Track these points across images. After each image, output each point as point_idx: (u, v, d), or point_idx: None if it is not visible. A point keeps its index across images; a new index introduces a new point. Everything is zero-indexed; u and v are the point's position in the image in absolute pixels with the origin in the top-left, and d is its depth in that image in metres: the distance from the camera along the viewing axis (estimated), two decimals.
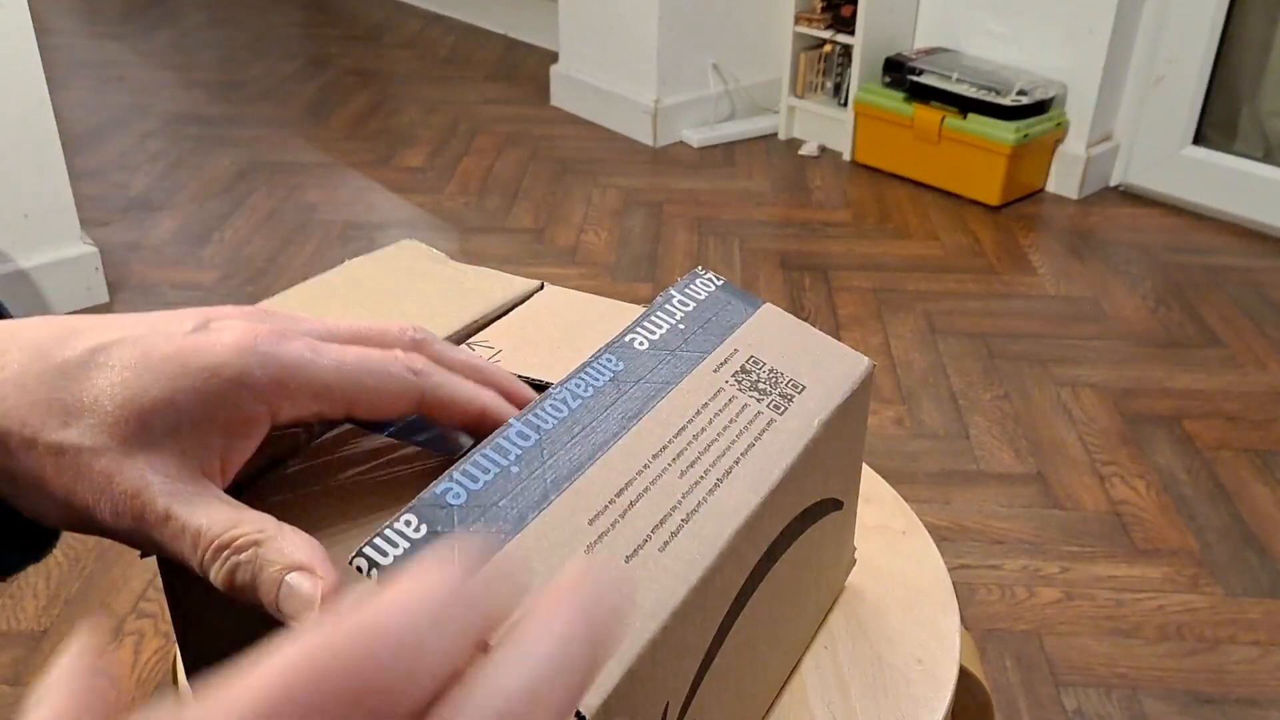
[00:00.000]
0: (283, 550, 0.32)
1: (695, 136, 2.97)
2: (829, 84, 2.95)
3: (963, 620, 0.55)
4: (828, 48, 2.91)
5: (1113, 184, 2.72)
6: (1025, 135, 2.52)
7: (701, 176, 2.79)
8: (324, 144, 2.96)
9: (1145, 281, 2.29)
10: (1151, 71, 2.58)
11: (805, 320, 0.46)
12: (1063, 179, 2.68)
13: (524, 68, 3.63)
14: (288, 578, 0.31)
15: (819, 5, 2.88)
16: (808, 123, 3.00)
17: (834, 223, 2.54)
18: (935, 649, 0.51)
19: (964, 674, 0.52)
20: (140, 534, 0.33)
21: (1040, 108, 2.56)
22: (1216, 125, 2.59)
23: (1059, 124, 2.61)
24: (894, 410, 1.84)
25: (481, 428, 0.38)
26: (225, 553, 0.32)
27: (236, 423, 0.34)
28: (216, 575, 0.32)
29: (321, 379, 0.34)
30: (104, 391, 0.33)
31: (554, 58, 3.33)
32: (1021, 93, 2.54)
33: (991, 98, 2.54)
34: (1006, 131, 2.51)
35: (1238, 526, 1.59)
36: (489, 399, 0.38)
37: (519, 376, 0.44)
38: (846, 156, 2.88)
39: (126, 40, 3.87)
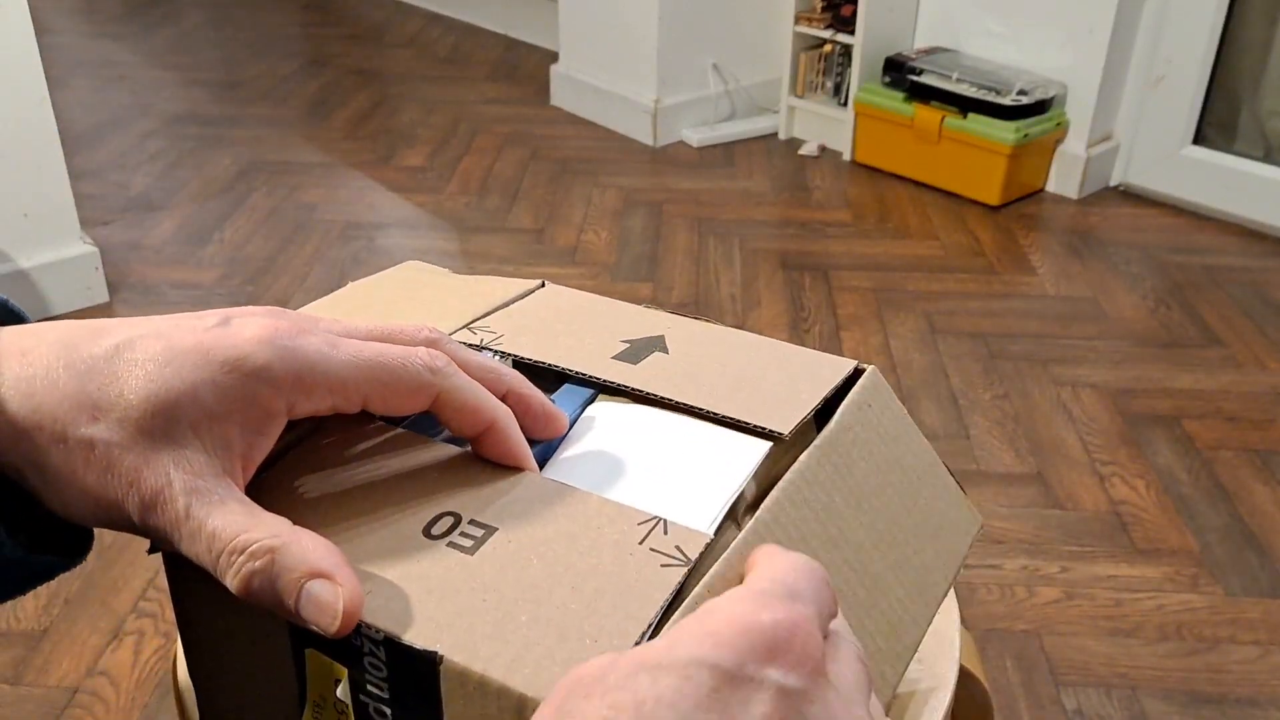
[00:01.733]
0: (300, 556, 0.32)
1: (695, 136, 2.97)
2: (829, 84, 2.94)
3: (963, 620, 0.55)
4: (828, 47, 2.91)
5: (1113, 184, 2.72)
6: (1025, 135, 2.52)
7: (701, 176, 2.79)
8: (324, 144, 2.96)
9: (1145, 281, 2.29)
10: (1151, 71, 2.58)
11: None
12: (1063, 179, 2.68)
13: (524, 68, 3.63)
14: (308, 585, 0.31)
15: (819, 5, 2.88)
16: (808, 123, 3.00)
17: (834, 223, 2.54)
18: (935, 649, 0.51)
19: (964, 674, 0.52)
20: (161, 531, 0.33)
21: (1040, 108, 2.56)
22: (1216, 125, 2.59)
23: (1059, 124, 2.61)
24: None
25: (484, 443, 0.37)
26: (239, 558, 0.32)
27: (256, 416, 0.34)
28: (232, 580, 0.32)
29: (338, 373, 0.35)
30: (129, 385, 0.33)
31: (554, 58, 3.33)
32: (1021, 93, 2.53)
33: (991, 98, 2.54)
34: (1006, 131, 2.51)
35: (1238, 526, 1.59)
36: (501, 416, 0.37)
37: (519, 359, 0.44)
38: (846, 156, 2.88)
39: (126, 40, 3.87)
